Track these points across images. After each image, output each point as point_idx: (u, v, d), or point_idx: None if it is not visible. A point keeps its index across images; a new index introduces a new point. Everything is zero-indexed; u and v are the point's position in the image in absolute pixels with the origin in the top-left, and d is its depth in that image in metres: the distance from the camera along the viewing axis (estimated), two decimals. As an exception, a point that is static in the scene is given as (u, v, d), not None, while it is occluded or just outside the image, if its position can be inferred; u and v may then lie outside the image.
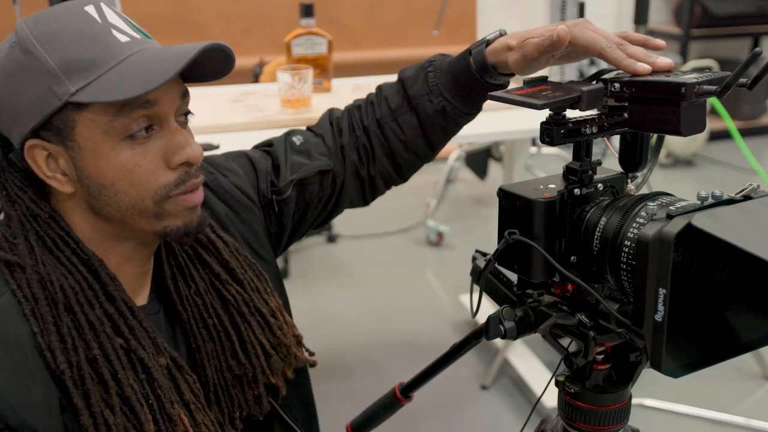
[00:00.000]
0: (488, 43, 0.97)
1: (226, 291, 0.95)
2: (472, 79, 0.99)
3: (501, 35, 0.96)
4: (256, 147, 1.13)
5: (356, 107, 1.12)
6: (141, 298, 0.90)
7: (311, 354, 1.05)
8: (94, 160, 0.80)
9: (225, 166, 1.07)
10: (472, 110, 1.04)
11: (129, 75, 0.77)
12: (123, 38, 0.80)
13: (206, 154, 1.62)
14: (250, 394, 0.96)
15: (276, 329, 0.97)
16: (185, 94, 0.84)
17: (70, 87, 0.77)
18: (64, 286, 0.81)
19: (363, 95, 2.23)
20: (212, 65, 0.84)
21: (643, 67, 0.76)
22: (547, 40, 0.85)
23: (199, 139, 1.70)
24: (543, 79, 0.79)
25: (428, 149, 1.10)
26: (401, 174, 1.13)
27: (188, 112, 0.86)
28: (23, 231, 0.82)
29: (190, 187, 0.84)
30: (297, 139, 1.10)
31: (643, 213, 0.68)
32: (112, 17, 0.81)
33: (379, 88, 1.12)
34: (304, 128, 1.14)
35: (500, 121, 1.84)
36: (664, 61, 0.76)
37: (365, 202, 1.16)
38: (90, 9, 0.81)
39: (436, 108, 1.04)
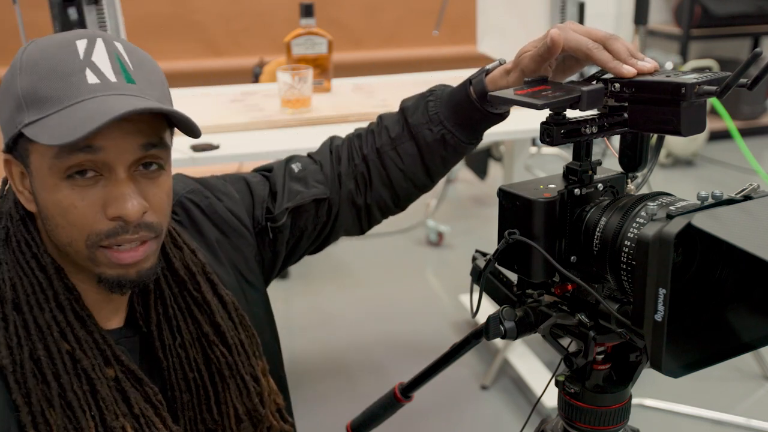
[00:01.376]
0: (488, 72, 0.97)
1: (211, 351, 0.94)
2: (472, 109, 0.99)
3: (500, 64, 0.96)
4: (256, 170, 1.13)
5: (356, 136, 1.12)
6: (114, 323, 0.90)
7: (290, 423, 1.04)
8: (42, 191, 0.81)
9: (221, 189, 1.06)
10: (472, 139, 1.04)
11: (68, 119, 0.76)
12: (93, 79, 0.78)
13: (205, 154, 1.63)
14: None
15: (254, 396, 0.97)
16: (149, 147, 0.81)
17: (25, 118, 0.78)
18: (16, 285, 0.83)
19: (363, 95, 2.23)
20: (184, 126, 0.83)
21: (629, 70, 0.76)
22: (542, 47, 0.85)
23: (200, 139, 1.70)
24: (543, 79, 0.79)
25: (427, 179, 1.10)
26: (398, 203, 1.13)
27: (158, 164, 0.83)
28: None
29: (120, 242, 0.81)
30: (296, 167, 1.10)
31: (643, 213, 0.68)
32: (98, 55, 0.79)
33: (380, 117, 1.12)
34: (305, 155, 1.14)
35: (500, 121, 1.84)
36: (644, 65, 0.77)
37: (361, 231, 1.16)
38: (81, 43, 0.79)
39: (436, 137, 1.04)
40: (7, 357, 0.79)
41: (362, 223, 1.14)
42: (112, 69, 0.79)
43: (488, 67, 0.97)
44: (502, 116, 1.00)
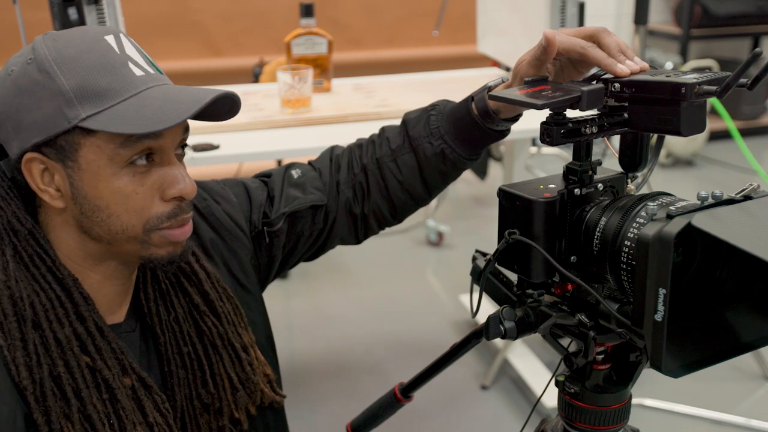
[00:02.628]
0: (490, 89, 0.97)
1: (203, 322, 0.96)
2: (473, 125, 0.99)
3: (503, 81, 0.96)
4: (256, 176, 1.14)
5: (358, 146, 1.13)
6: (118, 316, 0.91)
7: (281, 395, 1.05)
8: (94, 182, 0.81)
9: (219, 193, 1.08)
10: (471, 155, 1.04)
11: (141, 110, 0.79)
12: (138, 72, 0.82)
13: (205, 154, 1.63)
14: (215, 425, 0.97)
15: (246, 365, 0.98)
16: (186, 129, 0.87)
17: (81, 112, 0.79)
18: (34, 303, 0.82)
19: (363, 95, 2.23)
20: (219, 108, 0.86)
21: (622, 69, 0.77)
22: (539, 49, 0.85)
23: (199, 139, 1.70)
24: (543, 79, 0.79)
25: (425, 192, 1.10)
26: (395, 215, 1.13)
27: (185, 145, 0.89)
28: (0, 245, 0.83)
29: (179, 222, 0.86)
30: (295, 173, 1.11)
31: (643, 213, 0.68)
32: (130, 49, 0.84)
33: (383, 129, 1.12)
34: (305, 162, 1.15)
35: (500, 121, 1.83)
36: (632, 65, 0.77)
37: (357, 240, 1.16)
38: (110, 39, 0.83)
39: (436, 151, 1.04)
40: (27, 378, 0.79)
41: (358, 232, 1.14)
42: (145, 62, 0.84)
43: (490, 83, 0.97)
44: (502, 134, 1.00)
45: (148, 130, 0.78)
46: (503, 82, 0.96)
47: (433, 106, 1.07)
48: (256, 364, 1.00)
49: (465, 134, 1.01)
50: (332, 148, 1.16)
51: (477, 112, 0.98)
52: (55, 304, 0.83)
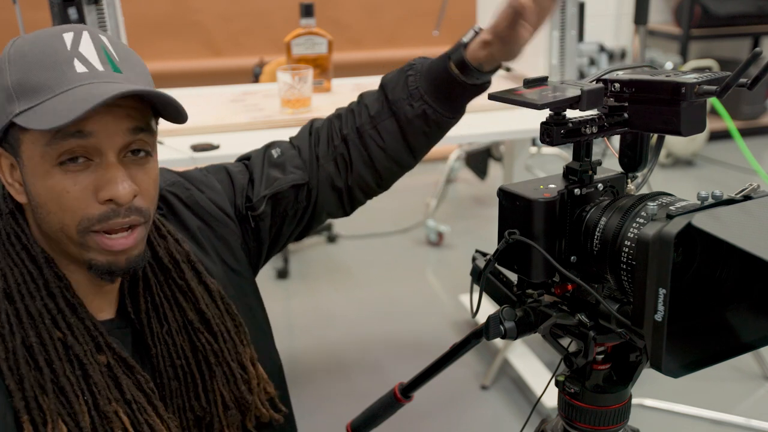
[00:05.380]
0: (466, 45, 0.97)
1: (197, 338, 0.95)
2: (452, 82, 0.99)
3: (476, 33, 0.96)
4: (238, 159, 1.13)
5: (337, 117, 1.11)
6: (107, 313, 0.91)
7: (280, 411, 1.03)
8: (33, 179, 0.82)
9: (203, 181, 1.07)
10: (454, 113, 1.03)
11: (60, 105, 0.77)
12: (81, 68, 0.80)
13: (205, 154, 1.63)
14: None
15: (241, 384, 0.97)
16: (138, 131, 0.82)
17: (17, 107, 0.79)
18: (7, 276, 0.83)
19: (363, 95, 2.21)
20: (170, 111, 0.84)
21: None
22: (511, 11, 0.86)
23: (199, 139, 1.70)
24: (543, 79, 0.79)
25: (409, 156, 1.08)
26: (380, 183, 1.11)
27: (146, 151, 0.84)
28: None
29: (112, 227, 0.82)
30: (275, 152, 1.10)
31: (643, 213, 0.68)
32: (85, 46, 0.81)
33: (361, 96, 1.11)
34: (286, 139, 1.14)
35: (500, 121, 1.84)
36: None
37: (345, 213, 1.15)
38: (67, 36, 0.81)
39: (417, 112, 1.03)
40: (0, 346, 0.80)
41: (345, 205, 1.13)
42: (99, 59, 0.81)
43: (465, 40, 0.97)
44: (482, 88, 1.00)
45: (54, 124, 0.75)
46: (476, 34, 0.96)
47: (410, 66, 1.05)
48: (254, 383, 0.99)
49: (445, 92, 1.00)
50: (312, 122, 1.14)
51: (457, 70, 0.97)
52: (27, 279, 0.84)
